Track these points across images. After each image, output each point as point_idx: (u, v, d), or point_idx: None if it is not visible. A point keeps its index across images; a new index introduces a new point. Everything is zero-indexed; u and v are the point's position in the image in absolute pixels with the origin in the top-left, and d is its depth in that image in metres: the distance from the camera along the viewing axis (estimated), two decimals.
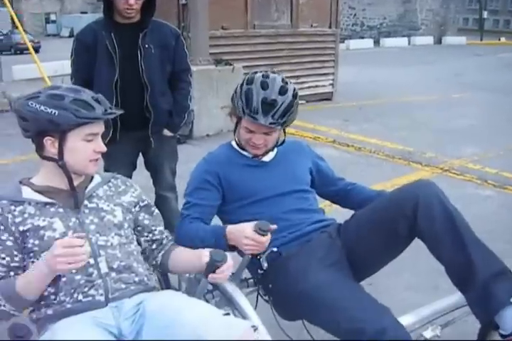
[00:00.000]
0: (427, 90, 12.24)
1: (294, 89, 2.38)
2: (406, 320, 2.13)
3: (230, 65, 8.04)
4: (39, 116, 1.94)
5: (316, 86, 10.46)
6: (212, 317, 1.83)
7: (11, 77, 12.24)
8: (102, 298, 1.95)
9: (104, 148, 2.06)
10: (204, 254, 2.02)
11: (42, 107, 1.94)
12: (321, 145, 7.33)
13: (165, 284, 2.49)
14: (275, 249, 2.26)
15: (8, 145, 7.06)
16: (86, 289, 1.94)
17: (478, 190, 5.79)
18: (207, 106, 7.77)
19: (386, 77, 14.28)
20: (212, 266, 1.95)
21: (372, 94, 11.45)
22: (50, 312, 1.93)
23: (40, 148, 2.03)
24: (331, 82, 10.78)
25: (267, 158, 2.56)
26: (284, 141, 2.60)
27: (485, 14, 33.26)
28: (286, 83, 2.36)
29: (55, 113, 1.93)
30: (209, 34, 8.17)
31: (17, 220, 1.97)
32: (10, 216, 1.97)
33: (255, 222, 2.12)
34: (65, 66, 11.25)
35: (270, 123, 2.31)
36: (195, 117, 7.66)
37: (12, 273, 1.95)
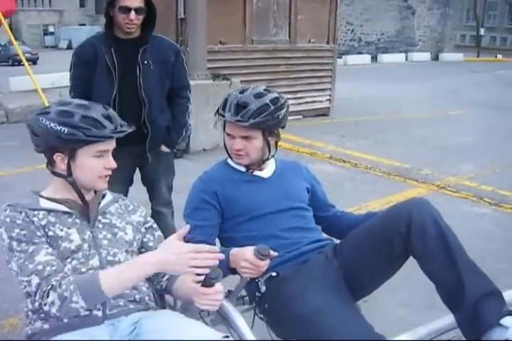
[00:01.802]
0: (424, 107, 12.27)
1: (277, 98, 2.39)
2: (403, 338, 2.12)
3: (228, 79, 8.04)
4: (49, 133, 1.93)
5: (314, 101, 10.47)
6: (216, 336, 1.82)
7: (8, 89, 12.25)
8: (100, 314, 1.92)
9: (114, 165, 2.05)
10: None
11: (52, 124, 1.92)
12: (317, 161, 7.34)
13: (160, 302, 2.42)
14: (274, 274, 2.24)
15: (4, 157, 7.04)
16: None
17: (474, 208, 5.78)
18: (203, 120, 7.76)
19: (383, 93, 14.32)
20: (207, 283, 1.90)
21: (369, 110, 11.47)
22: (46, 326, 1.90)
23: (50, 164, 2.03)
24: (328, 97, 10.80)
25: (264, 175, 2.55)
26: (283, 160, 2.63)
27: (482, 31, 33.51)
28: (269, 91, 2.42)
29: (64, 130, 1.92)
30: (207, 48, 8.19)
31: (42, 223, 1.95)
32: (35, 219, 1.95)
33: (255, 247, 2.09)
34: (63, 78, 11.28)
35: (236, 120, 2.33)
36: (191, 132, 7.63)
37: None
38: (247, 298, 2.50)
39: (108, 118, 2.00)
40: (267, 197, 2.48)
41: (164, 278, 2.20)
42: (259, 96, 2.38)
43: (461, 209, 5.69)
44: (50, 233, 1.95)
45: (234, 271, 2.21)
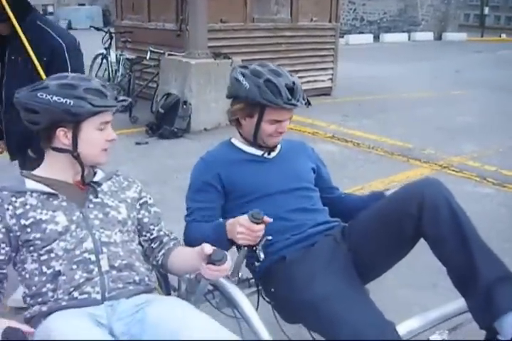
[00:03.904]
0: (427, 87, 12.16)
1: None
2: (412, 323, 2.11)
3: (229, 58, 7.96)
4: (52, 107, 1.90)
5: (315, 81, 10.37)
6: (219, 335, 1.78)
7: None
8: (98, 296, 1.90)
9: (114, 136, 2.05)
10: (205, 247, 1.91)
11: (55, 97, 1.90)
12: (319, 141, 7.28)
13: (164, 284, 2.45)
14: (270, 237, 2.17)
15: None
16: (84, 287, 1.90)
17: (477, 188, 5.75)
18: (205, 100, 7.71)
19: (386, 73, 14.21)
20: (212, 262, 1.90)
21: (372, 90, 11.38)
22: (44, 308, 1.89)
23: (49, 140, 2.00)
24: (330, 76, 10.70)
25: (270, 154, 2.51)
26: (288, 140, 2.60)
27: (486, 10, 33.16)
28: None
29: (70, 103, 1.90)
30: (208, 27, 8.09)
31: (18, 212, 1.93)
32: (10, 207, 1.93)
33: (249, 212, 2.07)
34: None
35: (296, 105, 2.31)
36: (192, 111, 7.61)
37: None
38: (252, 280, 2.49)
39: (106, 88, 2.00)
40: (272, 177, 2.45)
41: (160, 253, 2.20)
42: (289, 72, 2.38)
43: (464, 189, 5.63)
44: (31, 220, 1.92)
45: (233, 243, 2.19)
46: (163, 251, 2.20)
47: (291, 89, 2.29)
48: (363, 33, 24.11)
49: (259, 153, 2.48)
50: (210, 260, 1.87)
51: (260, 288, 2.42)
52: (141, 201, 2.22)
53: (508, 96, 11.27)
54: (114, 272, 1.96)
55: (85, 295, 1.89)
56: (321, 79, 10.54)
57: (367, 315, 2.03)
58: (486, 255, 2.09)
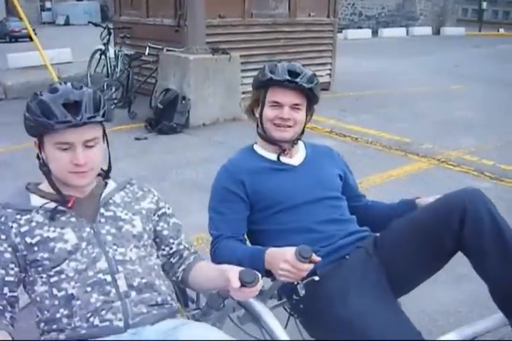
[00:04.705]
0: (426, 81, 12.18)
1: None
2: (446, 339, 2.04)
3: (227, 54, 7.97)
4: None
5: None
6: None
7: (6, 65, 12.15)
8: (121, 324, 1.76)
9: (80, 161, 1.77)
10: (231, 271, 1.78)
11: (29, 104, 1.78)
12: (317, 136, 7.28)
13: (182, 296, 2.28)
14: (317, 278, 2.04)
15: (3, 133, 7.01)
16: (103, 312, 1.75)
17: (475, 182, 5.74)
18: (203, 95, 7.73)
19: (384, 68, 14.21)
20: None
21: (370, 85, 11.39)
22: (62, 337, 1.75)
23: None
24: (328, 72, 10.71)
25: (295, 162, 2.41)
26: (313, 145, 2.53)
27: (484, 5, 33.11)
28: None
29: (25, 113, 1.78)
30: (206, 23, 8.10)
31: (23, 230, 1.79)
32: (15, 225, 1.79)
33: (296, 247, 1.88)
34: (61, 54, 11.23)
35: (297, 84, 2.23)
36: (191, 106, 7.63)
37: (6, 290, 1.76)
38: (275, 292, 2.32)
39: (69, 106, 1.73)
40: (299, 186, 2.33)
41: (180, 269, 2.07)
42: (303, 67, 2.33)
43: (462, 183, 5.63)
44: (37, 238, 1.78)
45: (268, 273, 2.03)
46: (183, 267, 2.07)
47: (293, 71, 2.25)
48: (361, 27, 24.12)
49: (274, 156, 2.38)
50: (242, 282, 1.73)
51: (284, 300, 2.30)
52: (159, 212, 2.06)
53: (506, 91, 11.28)
54: (133, 293, 1.82)
55: (107, 323, 1.74)
56: (320, 74, 10.51)
57: (404, 333, 1.93)
58: None
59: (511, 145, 7.14)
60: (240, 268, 1.79)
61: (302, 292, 2.05)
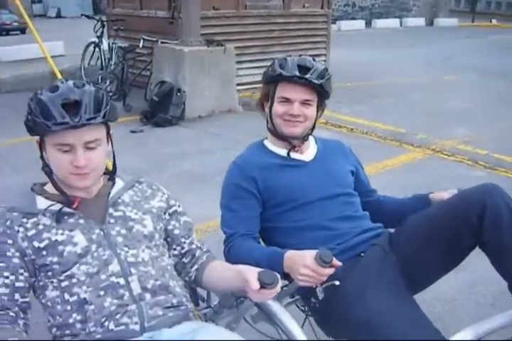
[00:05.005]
0: (419, 72, 12.21)
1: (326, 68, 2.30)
2: (464, 335, 2.01)
3: (222, 45, 7.98)
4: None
5: None
6: None
7: None
8: (137, 327, 1.70)
9: (81, 163, 1.71)
10: (249, 272, 1.76)
11: (30, 102, 1.73)
12: None
13: (193, 298, 2.18)
14: (337, 283, 1.94)
15: None
16: (118, 316, 1.70)
17: (469, 171, 5.82)
18: (198, 87, 7.74)
19: (378, 59, 14.23)
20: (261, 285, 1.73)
21: (364, 76, 11.41)
22: None
23: None
24: (322, 63, 10.63)
25: (306, 158, 2.37)
26: (324, 140, 2.51)
27: None
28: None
29: (26, 114, 1.73)
30: (200, 14, 8.09)
31: (30, 233, 1.74)
32: (21, 229, 1.74)
33: (317, 251, 1.84)
34: (53, 48, 11.16)
35: (307, 79, 2.19)
36: (186, 98, 7.64)
37: (17, 296, 1.71)
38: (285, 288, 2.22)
39: (68, 106, 1.68)
40: (311, 183, 2.29)
41: (193, 268, 2.03)
42: (315, 60, 2.29)
43: (456, 172, 5.72)
44: (45, 242, 1.73)
45: (286, 275, 1.98)
46: (196, 266, 2.03)
47: (303, 66, 2.21)
48: (354, 18, 24.12)
49: (284, 152, 2.34)
50: (261, 283, 1.70)
51: (297, 297, 2.26)
52: (170, 210, 2.01)
53: (500, 81, 11.31)
54: (148, 295, 1.76)
55: (122, 327, 1.69)
56: None
57: (422, 331, 1.91)
58: None
59: (505, 135, 7.19)
60: (257, 269, 1.76)
61: (321, 295, 1.98)
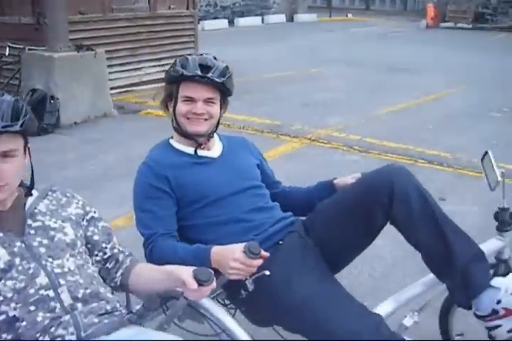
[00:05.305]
0: (286, 66, 12.56)
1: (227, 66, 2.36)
2: (386, 306, 2.14)
3: (92, 50, 7.90)
4: None
5: None
6: None
7: None
8: (74, 337, 1.65)
9: None
10: (183, 272, 1.75)
11: None
12: None
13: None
14: (267, 273, 1.93)
15: None
16: (53, 329, 1.64)
17: (346, 156, 6.17)
18: (72, 93, 7.62)
19: (245, 56, 14.47)
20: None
21: (235, 73, 11.37)
22: None
23: None
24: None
25: (213, 154, 2.41)
26: (228, 137, 2.55)
27: None
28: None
29: None
30: (67, 19, 7.95)
31: None
32: None
33: (244, 244, 1.89)
34: None
35: (209, 78, 2.24)
36: (60, 105, 7.52)
37: None
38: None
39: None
40: (222, 178, 2.33)
41: (118, 273, 1.98)
42: (216, 59, 2.34)
43: (334, 158, 6.06)
44: None
45: (214, 271, 1.89)
46: (121, 271, 1.98)
47: (205, 65, 2.26)
48: (217, 18, 24.31)
49: (191, 150, 2.37)
50: (198, 281, 1.70)
51: (219, 292, 2.21)
52: (87, 216, 1.97)
53: (362, 71, 11.92)
54: (80, 305, 1.72)
55: (58, 339, 1.64)
56: None
57: (352, 309, 2.00)
58: (459, 236, 2.13)
59: (374, 121, 7.67)
60: (191, 268, 1.76)
61: (251, 287, 1.96)
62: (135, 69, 9.41)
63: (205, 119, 2.32)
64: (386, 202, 2.13)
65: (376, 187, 2.16)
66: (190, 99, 2.29)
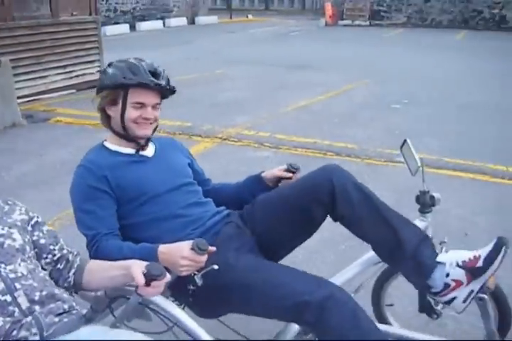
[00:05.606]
0: (190, 69, 12.71)
1: None
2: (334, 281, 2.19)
3: None
4: None
5: (84, 74, 10.38)
6: None
7: None
8: (37, 338, 1.68)
9: None
10: (135, 268, 1.78)
11: None
12: (101, 131, 7.43)
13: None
14: (216, 267, 1.97)
15: None
16: (15, 332, 1.67)
17: (257, 152, 6.41)
18: None
19: (149, 60, 14.51)
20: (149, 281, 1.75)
21: None
22: None
23: None
24: (97, 69, 10.75)
25: (149, 153, 2.47)
26: (158, 138, 2.59)
27: None
28: None
29: None
30: None
31: None
32: None
33: (192, 241, 1.95)
34: None
35: (160, 85, 2.32)
36: None
37: None
38: None
39: None
40: (157, 176, 2.40)
41: (71, 273, 2.02)
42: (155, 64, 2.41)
43: (246, 155, 6.28)
44: None
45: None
46: (73, 270, 2.01)
47: (154, 72, 2.34)
48: (118, 23, 24.14)
49: (133, 151, 2.43)
50: (151, 276, 1.72)
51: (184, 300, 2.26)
52: (32, 222, 1.99)
53: (266, 70, 12.24)
54: (37, 307, 1.75)
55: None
56: (90, 71, 10.58)
57: (295, 274, 2.07)
58: (403, 222, 2.26)
59: (281, 117, 7.98)
60: (144, 263, 1.80)
61: (200, 282, 2.01)
62: (41, 78, 9.32)
63: (151, 123, 2.41)
64: (327, 201, 2.26)
65: (316, 186, 2.28)
66: (141, 105, 2.35)
